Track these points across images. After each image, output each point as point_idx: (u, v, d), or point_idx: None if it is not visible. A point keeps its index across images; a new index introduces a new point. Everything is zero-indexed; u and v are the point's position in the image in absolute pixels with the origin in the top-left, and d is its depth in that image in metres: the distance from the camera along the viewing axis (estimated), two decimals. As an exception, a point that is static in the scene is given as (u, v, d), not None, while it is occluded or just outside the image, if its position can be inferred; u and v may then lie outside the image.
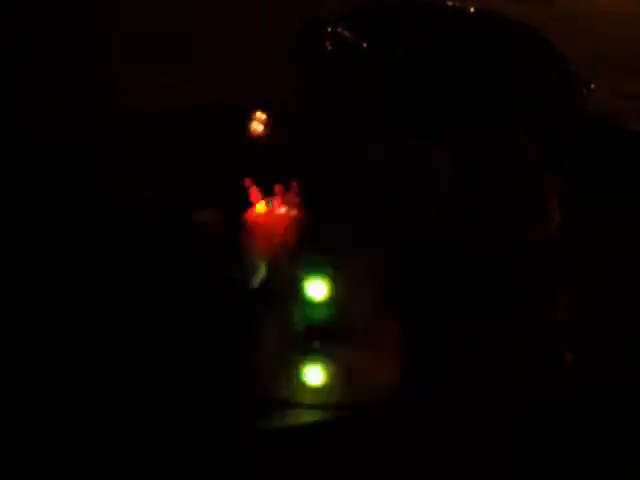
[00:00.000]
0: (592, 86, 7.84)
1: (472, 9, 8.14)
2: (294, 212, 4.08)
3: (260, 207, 4.13)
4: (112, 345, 3.47)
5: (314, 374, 3.74)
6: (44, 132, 3.74)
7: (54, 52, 3.81)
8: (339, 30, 7.93)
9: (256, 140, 5.15)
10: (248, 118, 5.62)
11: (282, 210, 4.07)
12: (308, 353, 3.74)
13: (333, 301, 3.73)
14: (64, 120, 3.80)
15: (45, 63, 3.77)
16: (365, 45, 7.82)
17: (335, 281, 3.73)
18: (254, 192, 4.18)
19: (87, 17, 4.09)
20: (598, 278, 5.19)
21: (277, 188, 4.14)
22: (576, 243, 4.94)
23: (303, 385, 3.66)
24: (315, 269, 3.73)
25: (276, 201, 4.12)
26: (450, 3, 8.38)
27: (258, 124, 5.18)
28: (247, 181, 4.19)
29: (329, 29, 7.84)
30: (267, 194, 4.18)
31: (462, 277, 3.89)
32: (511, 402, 3.68)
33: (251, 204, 4.15)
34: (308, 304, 3.75)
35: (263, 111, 5.35)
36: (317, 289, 3.75)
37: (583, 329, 4.29)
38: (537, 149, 4.18)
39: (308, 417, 3.42)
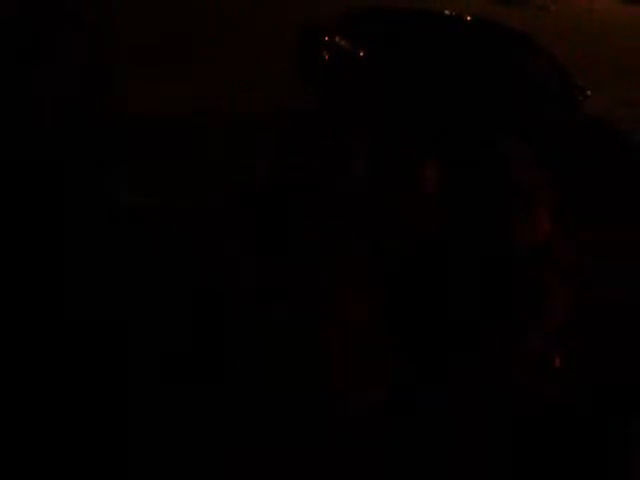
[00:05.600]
0: (588, 92, 7.89)
1: (468, 17, 8.19)
2: None
3: None
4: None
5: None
6: (43, 134, 3.76)
7: (52, 53, 3.82)
8: (335, 39, 7.98)
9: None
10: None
11: None
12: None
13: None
14: (63, 121, 3.82)
15: (43, 63, 3.79)
16: (361, 54, 7.88)
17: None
18: None
19: (84, 20, 4.12)
20: (595, 279, 5.23)
21: None
22: (573, 247, 4.97)
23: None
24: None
25: None
26: (447, 11, 8.43)
27: None
28: None
29: (325, 38, 7.89)
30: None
31: (455, 280, 3.93)
32: (510, 404, 3.72)
33: None
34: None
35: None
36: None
37: (580, 331, 4.33)
38: (530, 154, 4.22)
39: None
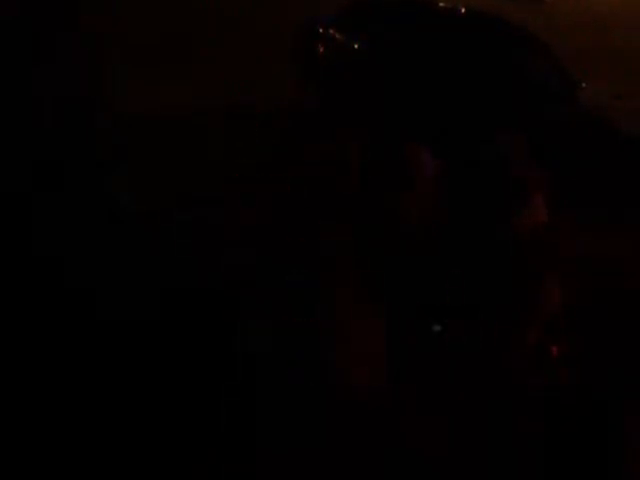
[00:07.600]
0: (583, 85, 7.88)
1: (463, 9, 8.15)
2: None
3: None
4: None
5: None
6: (41, 134, 3.77)
7: (52, 53, 3.82)
8: (331, 32, 7.98)
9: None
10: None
11: None
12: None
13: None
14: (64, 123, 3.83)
15: (43, 63, 3.79)
16: (356, 47, 7.88)
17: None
18: None
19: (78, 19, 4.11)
20: (591, 275, 5.24)
21: None
22: (573, 244, 4.98)
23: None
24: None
25: None
26: (442, 3, 8.39)
27: None
28: None
29: (321, 31, 7.91)
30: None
31: (448, 275, 3.94)
32: (509, 398, 3.72)
33: None
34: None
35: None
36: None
37: (580, 329, 4.34)
38: (524, 146, 4.22)
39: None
